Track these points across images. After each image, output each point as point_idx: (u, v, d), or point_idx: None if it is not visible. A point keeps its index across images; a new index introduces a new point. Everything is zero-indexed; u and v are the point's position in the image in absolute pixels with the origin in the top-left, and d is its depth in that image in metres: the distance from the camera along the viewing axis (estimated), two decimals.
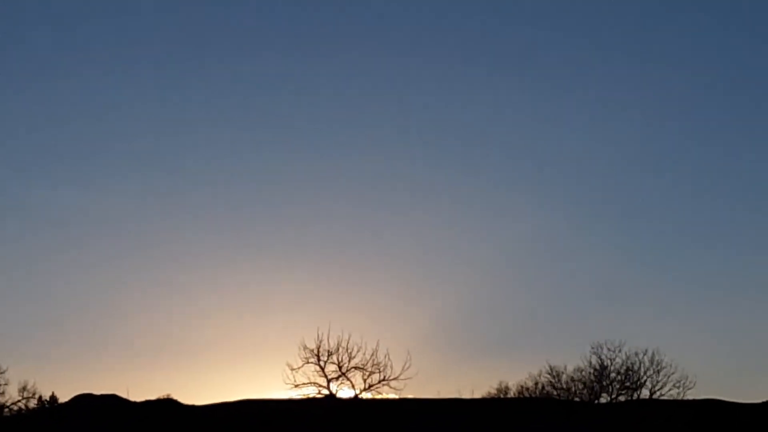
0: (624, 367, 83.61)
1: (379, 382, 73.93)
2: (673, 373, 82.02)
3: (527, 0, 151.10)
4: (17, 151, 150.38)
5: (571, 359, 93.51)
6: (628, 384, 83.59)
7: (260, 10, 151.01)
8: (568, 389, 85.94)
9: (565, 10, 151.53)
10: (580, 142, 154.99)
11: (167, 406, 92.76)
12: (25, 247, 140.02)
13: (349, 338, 73.61)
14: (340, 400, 75.32)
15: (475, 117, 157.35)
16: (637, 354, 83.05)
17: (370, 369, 73.82)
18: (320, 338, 73.41)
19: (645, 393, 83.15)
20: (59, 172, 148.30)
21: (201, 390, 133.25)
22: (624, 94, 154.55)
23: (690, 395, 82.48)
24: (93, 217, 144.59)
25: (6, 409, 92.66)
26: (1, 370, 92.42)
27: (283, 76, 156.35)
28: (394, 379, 73.25)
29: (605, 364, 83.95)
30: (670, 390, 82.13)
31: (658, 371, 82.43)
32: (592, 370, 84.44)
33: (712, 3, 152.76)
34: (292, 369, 73.10)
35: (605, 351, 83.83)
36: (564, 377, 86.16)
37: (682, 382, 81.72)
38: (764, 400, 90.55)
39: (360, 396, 74.89)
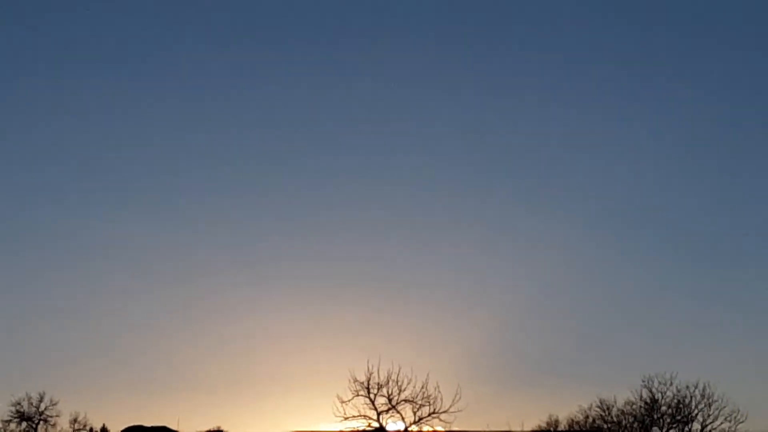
0: (675, 401, 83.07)
1: (429, 414, 73.19)
2: (724, 407, 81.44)
3: None
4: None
5: (622, 392, 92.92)
6: (679, 418, 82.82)
7: None
8: (619, 422, 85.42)
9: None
10: (628, 172, 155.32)
11: None
12: (76, 281, 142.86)
13: (399, 370, 73.19)
14: None
15: (526, 149, 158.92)
16: (688, 387, 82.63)
17: (420, 402, 73.21)
18: (370, 370, 72.94)
19: (696, 427, 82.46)
20: (108, 208, 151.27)
21: (251, 422, 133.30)
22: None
23: (742, 429, 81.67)
24: (141, 251, 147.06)
25: None
26: (53, 402, 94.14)
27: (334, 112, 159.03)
28: (444, 411, 72.31)
29: (656, 397, 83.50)
30: (721, 424, 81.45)
31: (710, 404, 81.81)
32: (642, 404, 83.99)
33: None
34: (342, 401, 72.59)
35: (656, 384, 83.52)
36: (614, 410, 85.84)
37: (733, 415, 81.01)
38: None
39: (410, 429, 74.54)
